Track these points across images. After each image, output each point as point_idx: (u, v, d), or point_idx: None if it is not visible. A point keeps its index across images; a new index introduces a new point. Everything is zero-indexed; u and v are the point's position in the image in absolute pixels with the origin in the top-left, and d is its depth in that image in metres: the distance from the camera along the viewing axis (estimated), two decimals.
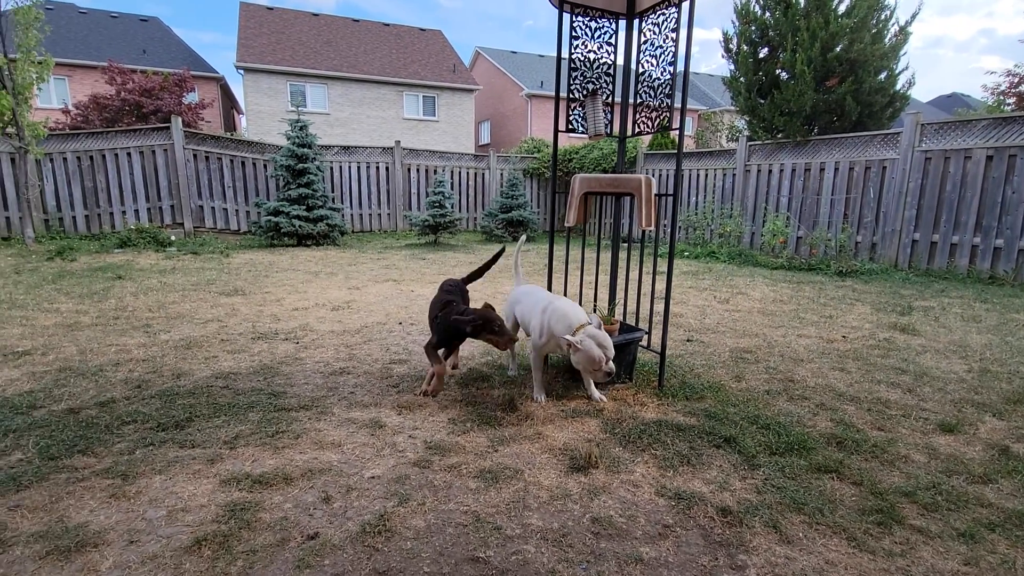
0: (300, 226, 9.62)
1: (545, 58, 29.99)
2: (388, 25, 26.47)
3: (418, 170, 12.71)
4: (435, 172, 12.74)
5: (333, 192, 11.80)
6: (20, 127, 8.91)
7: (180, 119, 11.14)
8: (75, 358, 3.27)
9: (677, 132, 2.77)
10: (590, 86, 3.23)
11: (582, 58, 3.19)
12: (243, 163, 11.33)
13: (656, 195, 2.89)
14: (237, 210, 11.42)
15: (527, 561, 1.53)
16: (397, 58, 23.61)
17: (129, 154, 10.67)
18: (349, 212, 12.04)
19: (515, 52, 30.50)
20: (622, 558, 1.55)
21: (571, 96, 3.22)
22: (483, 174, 13.47)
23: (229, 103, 25.87)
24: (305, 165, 10.00)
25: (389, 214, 12.57)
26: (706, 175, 10.66)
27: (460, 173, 13.20)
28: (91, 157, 10.53)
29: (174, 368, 3.12)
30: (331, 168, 11.83)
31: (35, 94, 9.91)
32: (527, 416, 2.54)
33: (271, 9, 23.91)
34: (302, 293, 5.53)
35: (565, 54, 3.11)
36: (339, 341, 3.77)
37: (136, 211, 10.81)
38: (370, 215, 12.43)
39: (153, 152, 10.77)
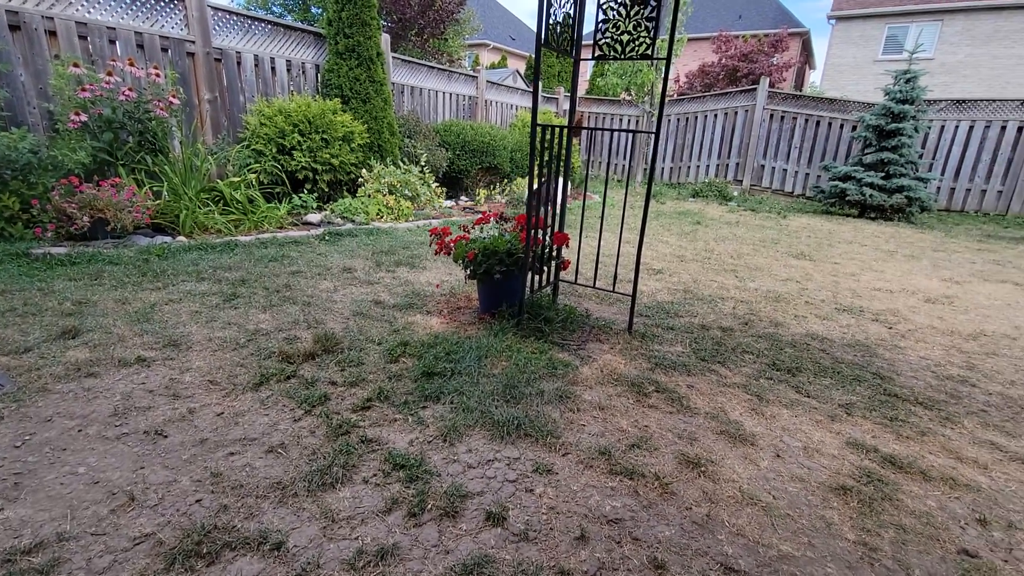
0: (871, 195, 8.58)
1: None
2: None
3: None
4: None
5: (922, 158, 9.78)
6: (652, 95, 11.60)
7: (767, 80, 11.67)
8: (691, 284, 4.15)
9: None
10: None
11: None
12: (817, 122, 10.89)
13: None
14: (796, 172, 11.29)
15: None
16: None
17: (716, 115, 12.16)
18: (936, 183, 9.75)
19: None
20: None
21: None
22: None
23: (804, 58, 25.12)
24: (899, 125, 8.63)
25: (1000, 192, 9.40)
26: None
27: None
28: (686, 118, 12.66)
29: (770, 316, 3.47)
30: (928, 128, 9.74)
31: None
32: None
33: None
34: (878, 272, 4.99)
35: None
36: (947, 342, 3.19)
37: (707, 167, 12.43)
38: (968, 190, 9.68)
39: (735, 113, 11.85)
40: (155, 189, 4.61)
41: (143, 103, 4.59)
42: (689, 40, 23.84)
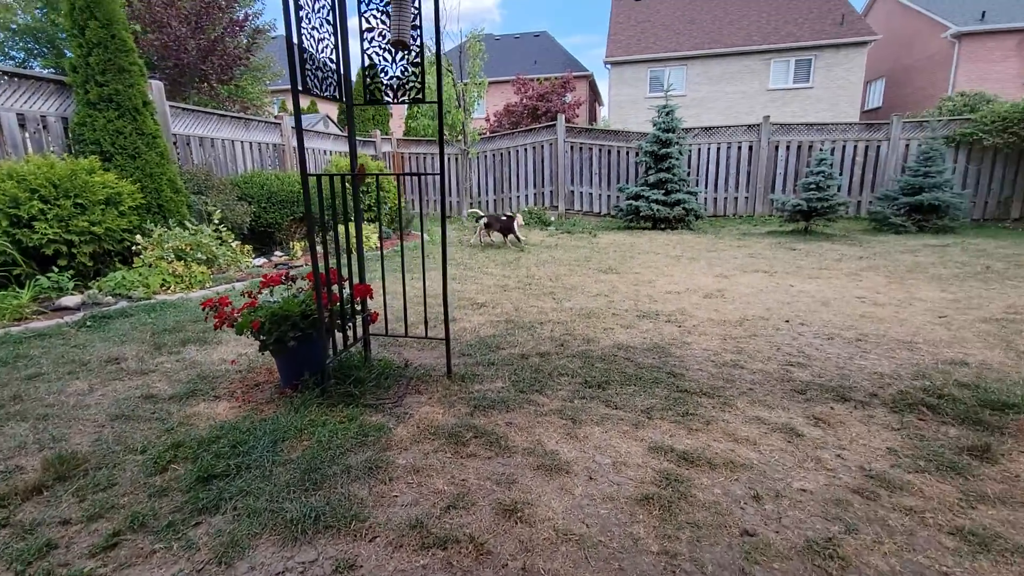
0: (657, 210, 9.97)
1: None
2: None
3: (788, 147, 11.29)
4: (810, 148, 11.07)
5: (690, 176, 11.71)
6: (465, 134, 12.11)
7: (563, 117, 13.02)
8: (513, 314, 4.26)
9: None
10: None
11: None
12: (609, 151, 12.41)
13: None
14: (600, 194, 12.68)
15: None
16: (767, 22, 21.37)
17: (526, 149, 13.16)
18: (703, 195, 11.74)
19: None
20: None
21: None
22: (878, 147, 10.93)
23: (592, 96, 28.82)
24: (668, 150, 10.23)
25: (747, 198, 11.69)
26: None
27: (844, 148, 11.09)
28: (500, 153, 13.49)
29: (583, 334, 3.69)
30: (690, 151, 11.75)
31: (474, 108, 13.32)
32: (1017, 475, 1.92)
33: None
34: (670, 276, 5.72)
35: None
36: (722, 331, 3.71)
37: (527, 196, 13.33)
38: (725, 198, 11.85)
39: (542, 146, 12.96)
40: None
41: None
42: (493, 83, 25.59)
